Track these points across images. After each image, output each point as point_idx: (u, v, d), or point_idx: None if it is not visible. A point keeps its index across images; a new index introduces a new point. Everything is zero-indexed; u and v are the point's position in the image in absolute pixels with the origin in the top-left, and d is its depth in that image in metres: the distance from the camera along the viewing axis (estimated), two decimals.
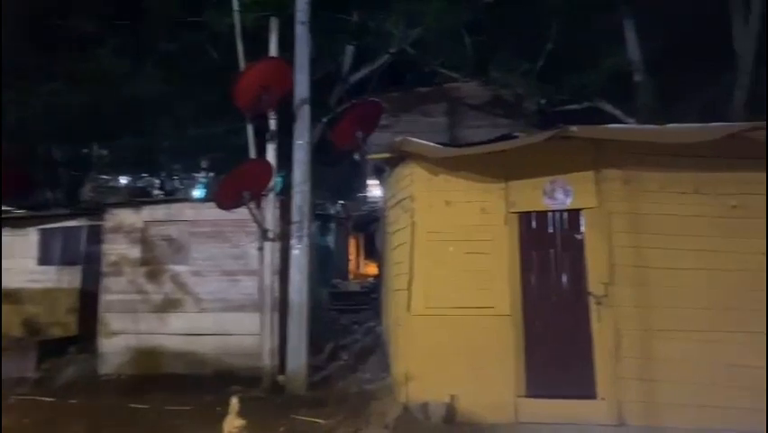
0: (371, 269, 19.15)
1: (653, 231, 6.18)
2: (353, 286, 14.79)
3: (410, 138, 6.12)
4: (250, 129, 8.29)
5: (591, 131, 5.85)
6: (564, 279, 6.29)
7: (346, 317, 11.72)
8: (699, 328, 5.98)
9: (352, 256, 18.84)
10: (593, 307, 6.12)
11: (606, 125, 5.86)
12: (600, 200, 6.25)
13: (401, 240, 6.82)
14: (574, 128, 5.66)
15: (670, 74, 11.12)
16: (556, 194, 6.35)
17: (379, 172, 9.77)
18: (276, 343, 7.98)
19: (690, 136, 5.94)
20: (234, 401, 5.18)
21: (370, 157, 7.17)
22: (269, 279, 8.12)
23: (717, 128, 5.81)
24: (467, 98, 14.06)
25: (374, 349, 9.12)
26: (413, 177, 6.63)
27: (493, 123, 12.99)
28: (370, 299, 12.67)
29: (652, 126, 5.74)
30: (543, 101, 11.56)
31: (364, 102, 9.36)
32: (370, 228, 16.97)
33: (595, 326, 6.11)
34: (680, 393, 5.87)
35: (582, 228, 6.30)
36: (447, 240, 6.44)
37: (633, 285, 6.10)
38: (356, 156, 10.88)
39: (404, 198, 6.81)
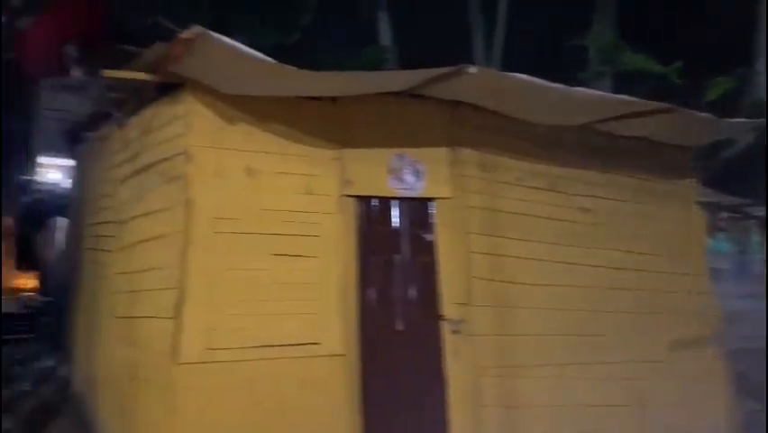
0: (24, 282, 14.17)
1: (510, 234, 4.74)
2: (9, 306, 10.25)
3: (211, 33, 3.32)
4: None
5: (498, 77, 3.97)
6: (411, 297, 4.35)
7: None
8: (553, 362, 4.73)
9: None
10: (447, 337, 4.32)
11: (511, 74, 4.08)
12: (455, 189, 4.53)
13: (153, 231, 3.96)
14: (474, 69, 3.74)
15: None
16: (405, 174, 4.40)
17: (73, 138, 6.41)
18: None
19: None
20: None
21: (108, 75, 3.98)
22: None
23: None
24: None
25: (60, 407, 5.70)
26: (189, 120, 3.79)
27: None
28: (37, 324, 8.71)
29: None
30: None
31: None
32: (28, 225, 12.17)
33: (450, 364, 4.30)
34: None
35: (433, 226, 4.47)
36: (247, 233, 3.85)
37: (493, 306, 4.52)
38: (61, 76, 6.59)
39: (164, 159, 3.96)
